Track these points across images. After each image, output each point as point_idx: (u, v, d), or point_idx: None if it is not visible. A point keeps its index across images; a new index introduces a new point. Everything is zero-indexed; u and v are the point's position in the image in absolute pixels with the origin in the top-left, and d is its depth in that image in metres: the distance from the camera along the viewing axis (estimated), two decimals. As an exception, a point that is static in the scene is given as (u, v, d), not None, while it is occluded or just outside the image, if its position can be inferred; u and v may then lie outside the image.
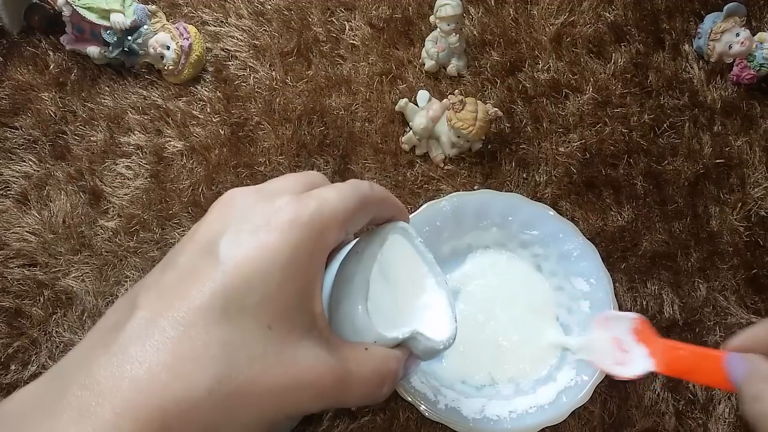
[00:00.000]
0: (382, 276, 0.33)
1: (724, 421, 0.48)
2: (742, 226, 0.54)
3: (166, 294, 0.24)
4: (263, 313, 0.25)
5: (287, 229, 0.26)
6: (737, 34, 0.57)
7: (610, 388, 0.48)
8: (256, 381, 0.24)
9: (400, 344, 0.31)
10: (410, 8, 0.61)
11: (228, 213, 0.27)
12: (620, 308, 0.50)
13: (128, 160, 0.55)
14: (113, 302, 0.51)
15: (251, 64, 0.59)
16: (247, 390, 0.24)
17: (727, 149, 0.56)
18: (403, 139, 0.55)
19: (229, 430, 0.24)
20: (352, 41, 0.60)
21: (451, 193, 0.52)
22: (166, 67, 0.57)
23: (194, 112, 0.57)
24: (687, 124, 0.57)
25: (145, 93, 0.58)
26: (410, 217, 0.50)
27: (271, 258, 0.25)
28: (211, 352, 0.23)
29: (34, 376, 0.49)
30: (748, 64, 0.57)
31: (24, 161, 0.55)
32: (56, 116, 0.57)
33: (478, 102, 0.52)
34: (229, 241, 0.25)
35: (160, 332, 0.23)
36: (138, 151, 0.56)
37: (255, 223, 0.26)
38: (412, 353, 0.32)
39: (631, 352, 0.39)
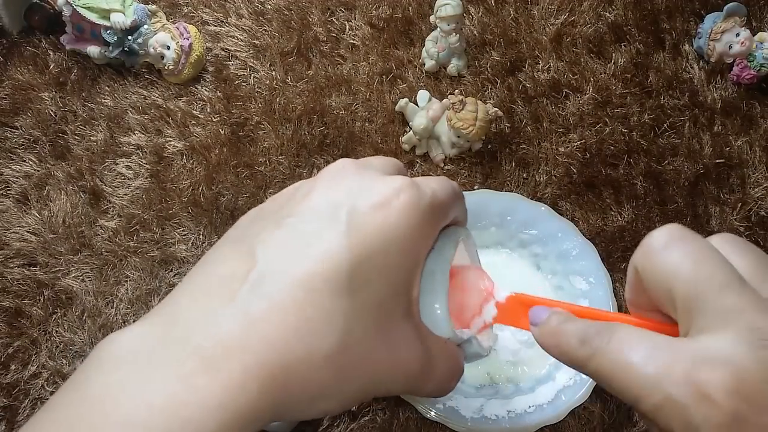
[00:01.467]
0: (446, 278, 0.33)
1: (724, 421, 0.48)
2: (742, 226, 0.54)
3: (290, 253, 0.24)
4: (379, 290, 0.25)
5: (409, 213, 0.26)
6: (737, 34, 0.57)
7: (609, 388, 0.48)
8: (366, 356, 0.24)
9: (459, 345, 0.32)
10: (410, 8, 0.61)
11: (344, 183, 0.27)
12: (620, 308, 0.50)
13: (128, 160, 0.55)
14: (113, 302, 0.51)
15: (251, 64, 0.59)
16: (357, 362, 0.24)
17: (727, 149, 0.56)
18: (403, 139, 0.55)
19: (333, 397, 0.24)
20: (352, 41, 0.60)
21: (450, 193, 0.52)
22: (166, 67, 0.57)
23: (194, 111, 0.57)
24: (687, 124, 0.57)
25: (145, 93, 0.58)
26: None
27: (392, 237, 0.25)
28: (333, 321, 0.23)
29: (35, 376, 0.49)
30: (748, 64, 0.57)
31: (24, 161, 0.55)
32: (56, 116, 0.57)
33: (478, 102, 0.52)
34: (353, 212, 0.25)
35: (286, 293, 0.23)
36: (138, 151, 0.56)
37: (377, 199, 0.26)
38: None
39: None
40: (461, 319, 0.34)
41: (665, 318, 0.25)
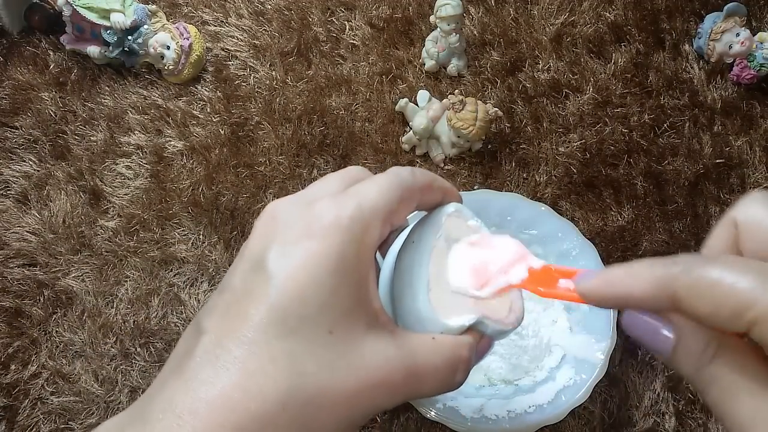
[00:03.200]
0: (441, 263, 0.32)
1: (724, 421, 0.48)
2: (742, 226, 0.54)
3: (227, 316, 0.25)
4: (322, 319, 0.25)
5: (330, 234, 0.26)
6: (737, 34, 0.57)
7: (609, 387, 0.48)
8: (327, 387, 0.24)
9: (470, 329, 0.30)
10: (410, 8, 0.61)
11: (271, 226, 0.27)
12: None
13: (128, 160, 0.55)
14: (113, 302, 0.51)
15: (251, 64, 0.59)
16: (320, 398, 0.24)
17: (727, 149, 0.56)
18: (403, 139, 0.55)
19: None
20: (352, 41, 0.60)
21: (450, 193, 0.52)
22: (166, 67, 0.57)
23: (194, 111, 0.57)
24: (687, 124, 0.57)
25: (145, 93, 0.58)
26: (409, 217, 0.50)
27: (318, 264, 0.25)
28: (279, 365, 0.24)
29: (34, 375, 0.49)
30: (748, 64, 0.57)
31: (24, 161, 0.55)
32: (56, 116, 0.57)
33: (478, 102, 0.52)
34: (276, 255, 0.25)
35: (226, 353, 0.24)
36: (138, 151, 0.56)
37: (297, 232, 0.26)
38: (483, 336, 0.31)
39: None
40: (480, 276, 0.32)
41: None
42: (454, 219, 0.33)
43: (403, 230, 0.33)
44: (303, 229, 0.26)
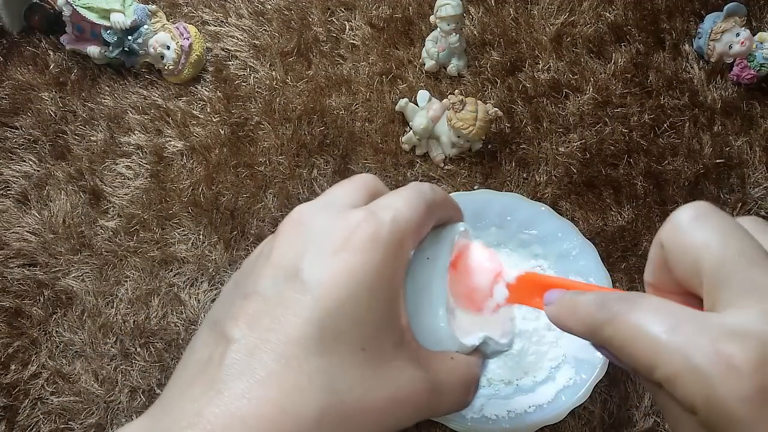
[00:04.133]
0: (451, 281, 0.32)
1: (724, 421, 0.48)
2: (742, 226, 0.54)
3: (258, 325, 0.24)
4: (357, 336, 0.24)
5: (369, 248, 0.25)
6: (737, 34, 0.57)
7: (609, 387, 0.48)
8: (359, 405, 0.24)
9: (476, 349, 0.31)
10: (410, 8, 0.61)
11: (302, 233, 0.26)
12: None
13: (128, 160, 0.55)
14: (113, 302, 0.51)
15: (251, 64, 0.59)
16: (352, 415, 0.24)
17: (727, 149, 0.56)
18: (403, 139, 0.55)
19: None
20: (352, 41, 0.60)
21: (451, 193, 0.52)
22: (166, 67, 0.57)
23: (194, 111, 0.57)
24: (687, 124, 0.57)
25: (145, 93, 0.58)
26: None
27: (358, 280, 0.25)
28: (315, 383, 0.23)
29: (34, 376, 0.49)
30: (749, 63, 0.57)
31: (24, 161, 0.55)
32: (56, 116, 0.57)
33: (478, 102, 0.52)
34: (312, 265, 0.25)
35: (262, 366, 0.23)
36: (138, 151, 0.56)
37: (335, 243, 0.25)
38: (482, 356, 0.32)
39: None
40: (473, 303, 0.33)
41: (685, 300, 0.24)
42: (462, 239, 0.33)
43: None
44: (340, 240, 0.25)
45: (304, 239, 0.26)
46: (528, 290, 0.32)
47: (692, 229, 0.23)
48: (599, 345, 0.25)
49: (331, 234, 0.26)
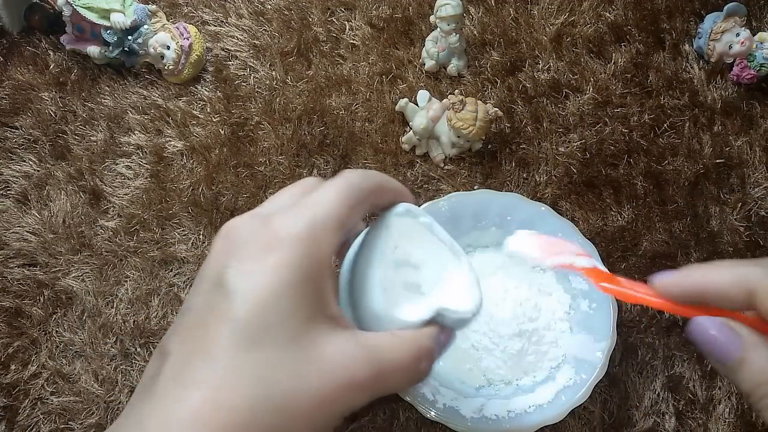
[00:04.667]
0: (395, 262, 0.33)
1: (724, 421, 0.48)
2: (742, 226, 0.54)
3: (191, 335, 0.26)
4: (284, 329, 0.26)
5: (286, 246, 0.27)
6: (737, 34, 0.57)
7: (609, 387, 0.48)
8: (295, 393, 0.25)
9: (432, 322, 0.32)
10: (410, 8, 0.61)
11: (227, 244, 0.28)
12: (620, 308, 0.50)
13: (128, 160, 0.55)
14: (113, 302, 0.51)
15: (251, 64, 0.59)
16: (289, 403, 0.25)
17: (727, 149, 0.56)
18: (403, 139, 0.55)
19: None
20: (352, 41, 0.60)
21: (450, 192, 0.52)
22: (166, 67, 0.57)
23: (194, 111, 0.57)
24: (687, 124, 0.57)
25: (145, 93, 0.58)
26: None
27: (277, 277, 0.26)
28: (246, 378, 0.24)
29: (34, 376, 0.49)
30: (749, 63, 0.57)
31: (24, 161, 0.55)
32: (56, 116, 0.57)
33: (478, 102, 0.52)
34: (235, 272, 0.26)
35: (193, 371, 0.24)
36: (138, 151, 0.56)
37: (255, 248, 0.27)
38: (445, 327, 0.33)
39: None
40: (552, 248, 0.36)
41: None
42: (404, 219, 0.34)
43: (359, 234, 0.35)
44: (260, 244, 0.27)
45: (228, 250, 0.27)
46: (609, 277, 0.34)
47: None
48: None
49: (253, 239, 0.27)
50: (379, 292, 0.31)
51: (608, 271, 0.34)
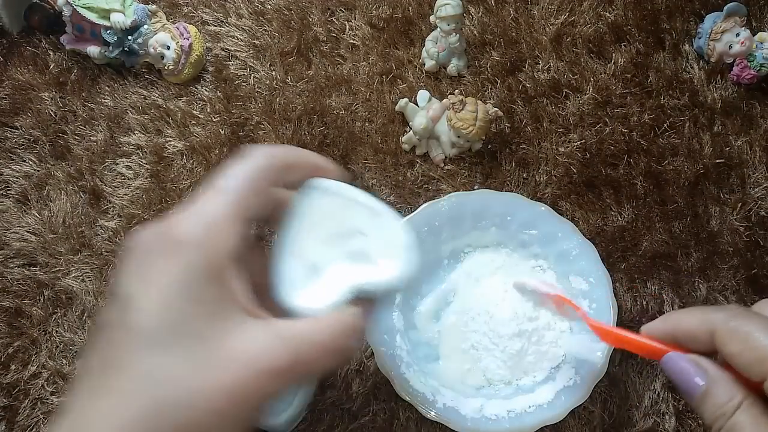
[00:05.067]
0: (312, 242, 0.33)
1: (724, 421, 0.48)
2: (742, 226, 0.54)
3: (100, 351, 0.27)
4: (188, 330, 0.26)
5: (183, 249, 0.27)
6: (737, 34, 0.57)
7: (609, 388, 0.48)
8: (199, 387, 0.26)
9: (358, 297, 0.32)
10: (410, 8, 0.61)
11: (131, 256, 0.28)
12: (620, 308, 0.50)
13: (128, 160, 0.55)
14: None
15: (251, 64, 0.59)
16: (194, 398, 0.25)
17: (727, 149, 0.56)
18: (403, 139, 0.55)
19: (228, 426, 0.26)
20: (352, 41, 0.60)
21: (451, 193, 0.52)
22: (166, 67, 0.57)
23: (194, 111, 0.57)
24: (687, 124, 0.57)
25: (145, 93, 0.58)
26: (409, 217, 0.50)
27: (174, 281, 0.26)
28: (150, 379, 0.25)
29: (34, 376, 0.49)
30: (749, 63, 0.57)
31: (24, 161, 0.55)
32: (56, 116, 0.57)
33: (478, 102, 0.52)
34: (133, 282, 0.27)
35: (98, 386, 0.26)
36: (138, 151, 0.56)
37: (154, 256, 0.27)
38: (371, 300, 0.33)
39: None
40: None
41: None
42: (313, 195, 0.34)
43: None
44: (158, 251, 0.27)
45: (131, 261, 0.28)
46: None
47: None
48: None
49: (154, 248, 0.28)
50: (287, 285, 0.32)
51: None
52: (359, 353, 0.49)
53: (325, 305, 0.31)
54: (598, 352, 0.46)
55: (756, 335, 0.27)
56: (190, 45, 0.56)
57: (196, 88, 0.58)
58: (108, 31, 0.55)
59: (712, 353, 0.30)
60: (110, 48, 0.56)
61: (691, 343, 0.30)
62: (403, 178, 0.55)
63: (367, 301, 0.32)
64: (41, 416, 0.48)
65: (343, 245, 0.34)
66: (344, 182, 0.35)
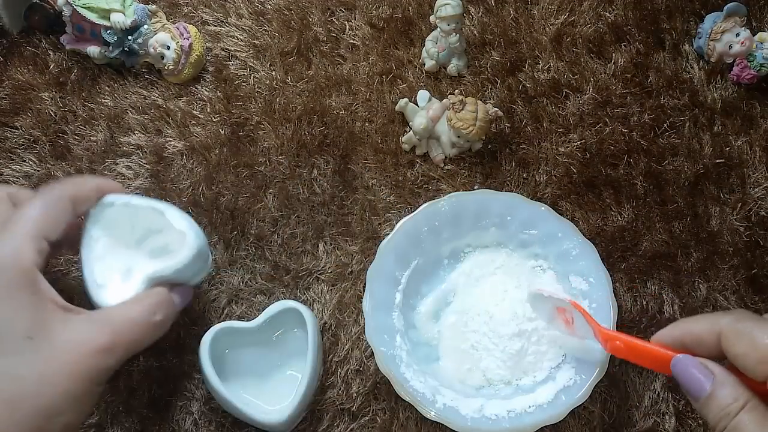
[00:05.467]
0: (119, 250, 0.43)
1: (724, 421, 0.48)
2: (742, 226, 0.54)
3: None
4: (12, 337, 0.33)
5: None
6: (737, 34, 0.57)
7: (609, 388, 0.48)
8: (44, 381, 0.32)
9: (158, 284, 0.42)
10: (410, 8, 0.61)
11: None
12: (620, 308, 0.50)
13: (128, 160, 0.55)
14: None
15: (251, 64, 0.59)
16: (41, 389, 0.32)
17: (727, 149, 0.56)
18: (403, 139, 0.55)
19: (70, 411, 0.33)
20: (352, 41, 0.60)
21: (451, 192, 0.52)
22: (166, 67, 0.57)
23: (194, 111, 0.57)
24: (687, 124, 0.57)
25: (145, 93, 0.58)
26: (409, 217, 0.50)
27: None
28: None
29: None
30: (749, 63, 0.57)
31: (24, 161, 0.55)
32: (56, 116, 0.57)
33: (478, 102, 0.52)
34: None
35: None
36: (138, 151, 0.56)
37: None
38: (175, 284, 0.43)
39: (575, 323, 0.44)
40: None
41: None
42: (107, 210, 0.43)
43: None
44: None
45: None
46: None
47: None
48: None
49: None
50: (94, 289, 0.41)
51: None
52: (359, 354, 0.49)
53: (128, 298, 0.40)
54: (598, 352, 0.46)
55: (760, 336, 0.27)
56: (190, 45, 0.56)
57: (196, 88, 0.58)
58: (108, 31, 0.55)
59: (720, 358, 0.30)
60: (110, 48, 0.56)
61: (698, 347, 0.31)
62: (403, 178, 0.55)
63: (172, 284, 0.42)
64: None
65: (144, 246, 0.45)
66: (126, 194, 0.44)
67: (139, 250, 0.45)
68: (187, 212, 0.53)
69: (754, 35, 0.57)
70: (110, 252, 0.43)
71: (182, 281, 0.44)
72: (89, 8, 0.54)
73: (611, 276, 0.50)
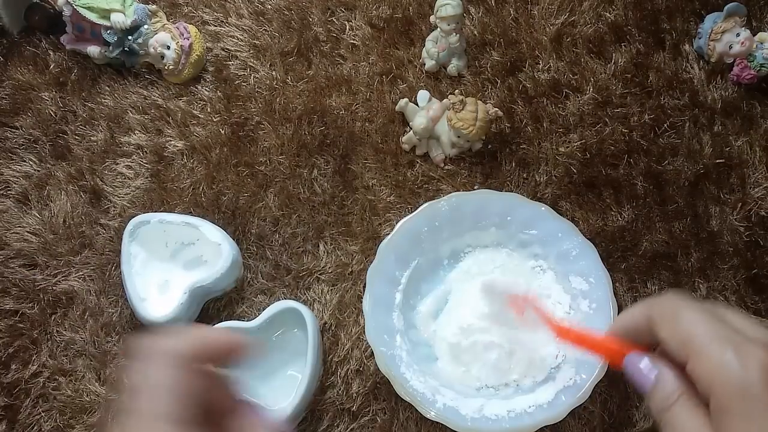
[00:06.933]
0: (156, 264, 0.50)
1: (724, 421, 0.48)
2: (742, 226, 0.54)
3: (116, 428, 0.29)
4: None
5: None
6: (737, 34, 0.57)
7: (609, 388, 0.49)
8: None
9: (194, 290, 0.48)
10: (410, 8, 0.61)
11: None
12: (620, 308, 0.50)
13: (129, 160, 0.55)
14: (116, 301, 0.51)
15: (251, 64, 0.59)
16: None
17: (727, 149, 0.56)
18: (404, 139, 0.55)
19: None
20: (352, 41, 0.60)
21: (451, 192, 0.52)
22: (166, 67, 0.57)
23: (195, 111, 0.57)
24: (687, 124, 0.57)
25: (145, 93, 0.58)
26: (409, 217, 0.50)
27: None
28: None
29: (35, 375, 0.49)
30: (749, 64, 0.57)
31: (24, 161, 0.55)
32: (56, 116, 0.57)
33: (479, 102, 0.52)
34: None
35: None
36: (138, 151, 0.56)
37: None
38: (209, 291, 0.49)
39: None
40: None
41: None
42: (142, 229, 0.51)
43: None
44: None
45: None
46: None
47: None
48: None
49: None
50: (153, 293, 0.48)
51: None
52: (359, 354, 0.49)
53: (171, 309, 0.46)
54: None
55: (681, 319, 0.27)
56: (191, 45, 0.56)
57: (196, 88, 0.58)
58: (108, 31, 0.55)
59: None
60: (110, 48, 0.56)
61: (640, 336, 0.31)
62: (403, 178, 0.55)
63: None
64: (42, 414, 0.48)
65: (178, 258, 0.50)
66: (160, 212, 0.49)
67: (174, 263, 0.50)
68: (188, 212, 0.53)
69: (754, 35, 0.57)
70: (148, 266, 0.49)
71: (218, 290, 0.49)
72: (89, 8, 0.54)
73: (611, 276, 0.50)
